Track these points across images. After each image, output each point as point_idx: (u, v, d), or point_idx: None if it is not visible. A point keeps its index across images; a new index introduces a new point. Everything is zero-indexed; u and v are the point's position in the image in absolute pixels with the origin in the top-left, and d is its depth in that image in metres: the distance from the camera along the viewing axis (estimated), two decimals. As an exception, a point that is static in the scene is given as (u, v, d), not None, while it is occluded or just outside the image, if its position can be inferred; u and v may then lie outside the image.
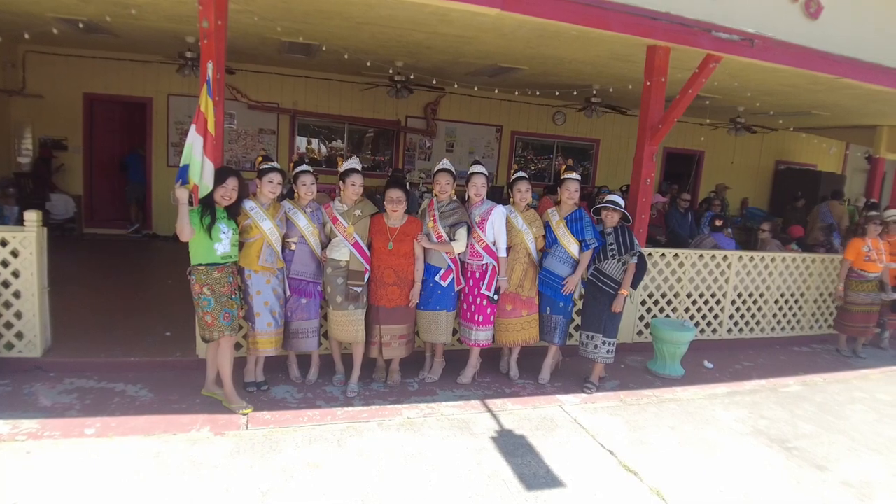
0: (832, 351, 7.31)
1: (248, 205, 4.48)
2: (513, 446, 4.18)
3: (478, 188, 5.10)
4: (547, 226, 5.32)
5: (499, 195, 7.97)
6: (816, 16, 6.01)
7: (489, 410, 4.77)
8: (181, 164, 4.12)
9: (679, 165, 13.77)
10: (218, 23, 4.59)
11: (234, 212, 4.36)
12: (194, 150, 4.11)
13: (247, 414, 4.31)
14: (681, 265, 6.65)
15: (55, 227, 8.88)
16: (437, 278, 4.97)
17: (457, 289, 5.10)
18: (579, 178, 5.38)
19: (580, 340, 5.44)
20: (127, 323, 5.89)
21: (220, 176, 4.25)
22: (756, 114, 11.08)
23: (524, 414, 4.77)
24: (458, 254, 5.01)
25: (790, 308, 7.42)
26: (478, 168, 5.17)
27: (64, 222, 9.71)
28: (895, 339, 7.82)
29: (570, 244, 5.21)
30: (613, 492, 3.73)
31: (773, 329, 7.36)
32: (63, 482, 3.32)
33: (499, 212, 5.04)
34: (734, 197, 12.94)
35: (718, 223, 7.64)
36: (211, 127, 4.23)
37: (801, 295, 7.46)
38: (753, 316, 7.20)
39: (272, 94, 10.88)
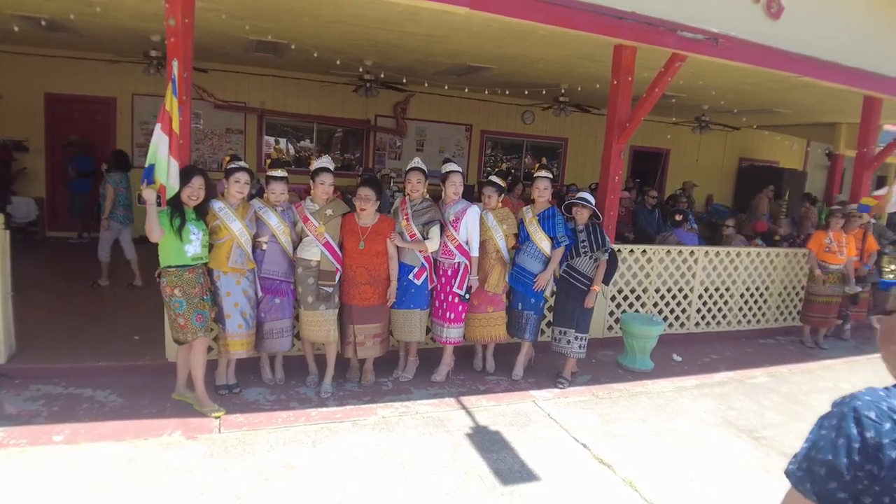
0: (797, 342, 7.49)
1: (217, 205, 4.41)
2: (488, 442, 4.21)
3: (456, 186, 5.11)
4: (521, 223, 5.36)
5: (470, 193, 8.01)
6: (778, 16, 6.17)
7: (464, 407, 4.79)
8: (146, 164, 4.06)
9: (646, 163, 13.97)
10: (185, 21, 4.53)
11: (202, 212, 4.30)
12: (159, 150, 4.05)
13: (219, 417, 4.26)
14: (649, 261, 6.76)
15: (17, 230, 8.60)
16: (410, 276, 4.98)
17: (430, 287, 5.11)
18: (551, 176, 5.44)
19: (553, 336, 5.50)
20: (93, 327, 5.77)
21: (186, 175, 4.19)
22: (720, 112, 11.31)
23: (498, 410, 4.80)
24: (432, 252, 5.02)
25: (755, 301, 7.58)
26: (453, 166, 5.18)
27: (26, 225, 9.46)
28: (857, 330, 8.03)
29: (543, 241, 5.26)
30: (587, 484, 3.78)
31: (739, 322, 7.51)
32: (32, 491, 3.25)
33: (473, 212, 5.06)
34: (699, 194, 13.18)
35: (678, 218, 7.72)
36: (176, 126, 4.17)
37: (766, 288, 7.63)
38: (720, 310, 7.34)
39: (239, 94, 10.73)
